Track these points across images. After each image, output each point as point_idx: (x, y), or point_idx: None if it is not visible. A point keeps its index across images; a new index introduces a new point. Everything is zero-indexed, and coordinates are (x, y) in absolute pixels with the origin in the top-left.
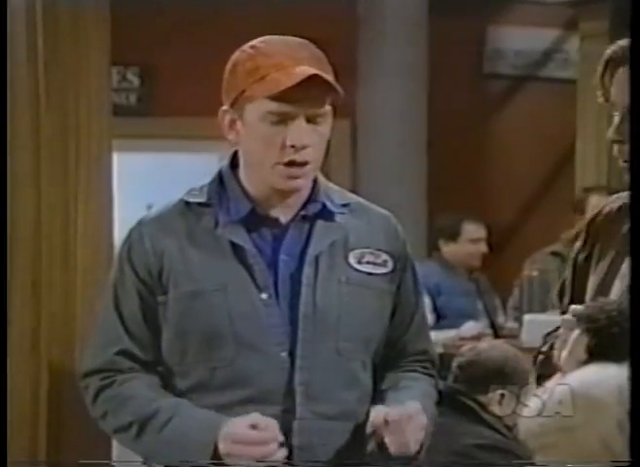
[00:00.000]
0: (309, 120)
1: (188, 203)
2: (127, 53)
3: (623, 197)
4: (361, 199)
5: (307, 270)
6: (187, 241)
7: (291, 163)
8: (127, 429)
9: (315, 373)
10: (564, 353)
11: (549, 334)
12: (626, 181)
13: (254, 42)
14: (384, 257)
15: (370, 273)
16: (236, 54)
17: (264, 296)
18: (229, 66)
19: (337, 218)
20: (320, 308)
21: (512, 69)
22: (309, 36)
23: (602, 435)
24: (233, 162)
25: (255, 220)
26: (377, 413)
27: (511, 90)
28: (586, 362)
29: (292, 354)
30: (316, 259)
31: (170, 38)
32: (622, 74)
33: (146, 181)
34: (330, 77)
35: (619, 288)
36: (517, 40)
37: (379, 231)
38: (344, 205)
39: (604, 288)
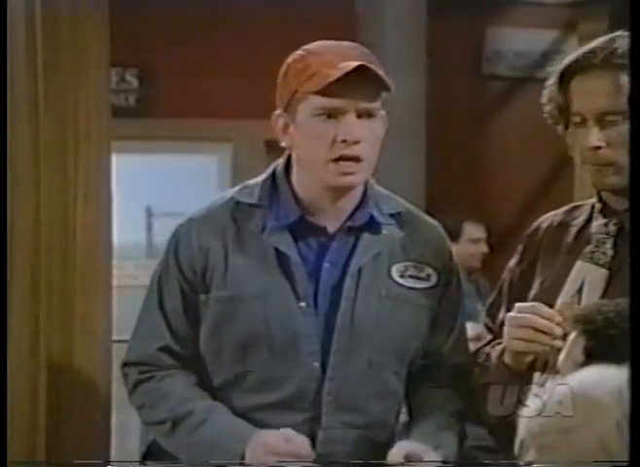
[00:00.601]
0: (360, 115)
1: (238, 203)
2: (126, 54)
3: (561, 212)
4: (410, 207)
5: (349, 282)
6: (233, 243)
7: (343, 158)
8: (162, 424)
9: (345, 384)
10: (562, 355)
11: (479, 349)
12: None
13: (306, 46)
14: (428, 271)
15: (411, 288)
16: (289, 59)
17: (302, 304)
18: (282, 70)
19: (384, 229)
20: (357, 321)
21: (511, 70)
22: (307, 36)
23: (600, 436)
24: (287, 166)
25: (302, 227)
26: (396, 452)
27: (510, 91)
28: (583, 364)
29: (323, 364)
30: (359, 271)
31: (169, 39)
32: (591, 81)
33: (145, 182)
34: (379, 70)
35: (570, 289)
36: (517, 41)
37: (426, 243)
38: (392, 215)
39: (550, 293)
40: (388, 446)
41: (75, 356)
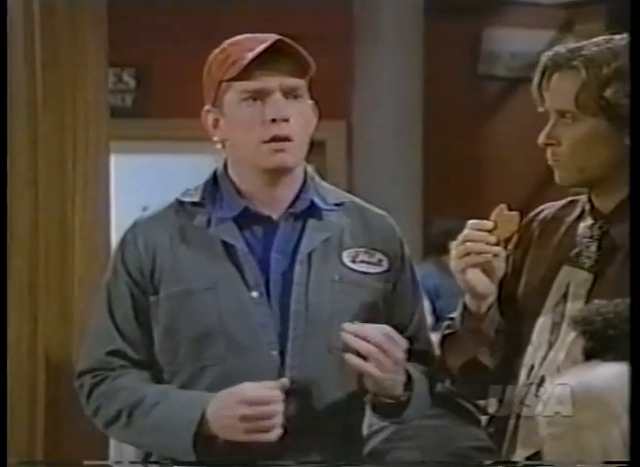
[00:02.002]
0: (286, 95)
1: (182, 203)
2: (123, 54)
3: (557, 206)
4: (356, 199)
5: (299, 268)
6: (179, 240)
7: (274, 139)
8: (118, 418)
9: (305, 371)
10: (561, 355)
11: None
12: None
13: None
14: (379, 256)
15: (364, 272)
16: (210, 55)
17: (254, 294)
18: (205, 68)
19: (329, 216)
20: (312, 306)
21: (507, 71)
22: (305, 37)
23: (604, 444)
24: (227, 166)
25: (246, 218)
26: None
27: (506, 92)
28: (583, 364)
29: (282, 353)
30: (309, 257)
31: (166, 39)
32: (556, 79)
33: (141, 182)
34: (297, 46)
35: (556, 294)
36: (513, 42)
37: (375, 230)
38: (338, 204)
39: (537, 300)
40: (355, 435)
41: (73, 357)
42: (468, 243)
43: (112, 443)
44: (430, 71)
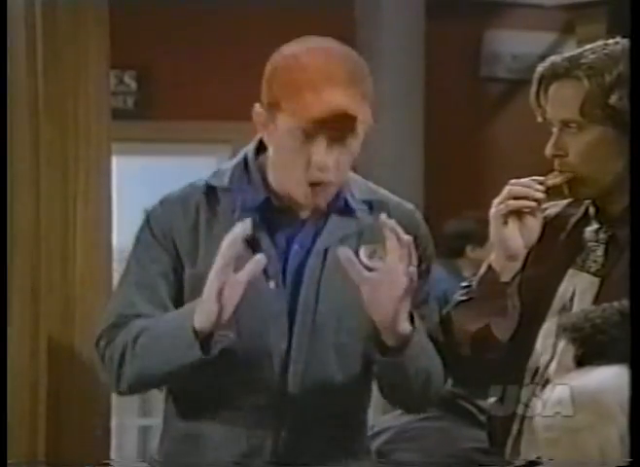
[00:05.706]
0: (336, 139)
1: (210, 186)
2: (125, 56)
3: (560, 204)
4: (385, 192)
5: (312, 263)
6: (203, 224)
7: (314, 184)
8: (124, 353)
9: (311, 365)
10: (553, 364)
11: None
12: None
13: (296, 48)
14: None
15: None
16: (277, 59)
17: (271, 285)
18: (268, 71)
19: (355, 213)
20: (321, 302)
21: (508, 73)
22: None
23: (602, 444)
24: (259, 148)
25: (272, 209)
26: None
27: (508, 94)
28: (576, 370)
29: (290, 345)
30: (325, 252)
31: (168, 41)
32: (556, 89)
33: (142, 184)
34: (359, 106)
35: (562, 298)
36: (514, 43)
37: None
38: (366, 201)
39: (541, 303)
40: (359, 433)
41: (75, 358)
42: (513, 187)
43: (113, 443)
44: (431, 73)
